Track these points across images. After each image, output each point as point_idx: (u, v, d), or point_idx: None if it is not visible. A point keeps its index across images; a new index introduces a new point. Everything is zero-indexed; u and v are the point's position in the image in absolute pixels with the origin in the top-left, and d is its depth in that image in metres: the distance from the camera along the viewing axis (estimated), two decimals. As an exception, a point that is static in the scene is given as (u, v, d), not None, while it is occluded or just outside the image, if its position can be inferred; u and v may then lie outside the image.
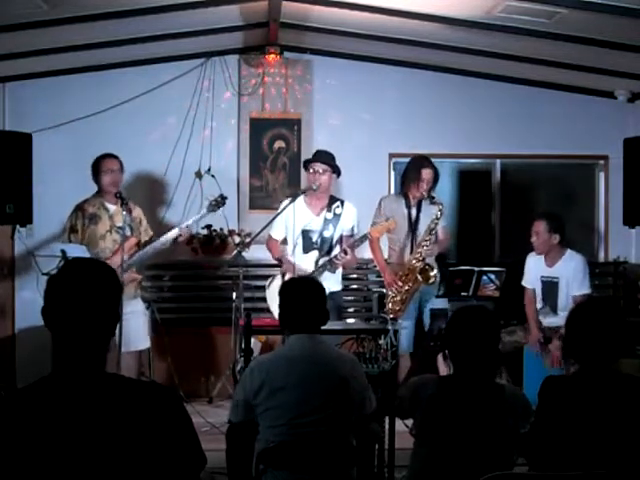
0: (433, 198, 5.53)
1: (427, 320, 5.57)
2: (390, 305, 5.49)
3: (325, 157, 5.38)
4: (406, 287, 5.47)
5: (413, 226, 5.60)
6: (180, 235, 5.28)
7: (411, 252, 5.55)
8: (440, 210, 5.48)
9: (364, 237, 5.25)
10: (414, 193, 5.59)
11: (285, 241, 5.48)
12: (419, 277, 5.43)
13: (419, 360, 5.66)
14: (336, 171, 5.39)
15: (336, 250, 5.33)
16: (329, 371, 3.13)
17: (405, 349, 5.60)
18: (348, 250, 5.18)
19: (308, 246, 5.36)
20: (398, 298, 5.50)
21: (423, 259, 5.45)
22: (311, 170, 5.34)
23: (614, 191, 6.76)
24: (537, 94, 6.80)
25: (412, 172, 5.62)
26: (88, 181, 5.36)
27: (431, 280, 5.43)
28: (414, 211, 5.62)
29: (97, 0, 4.92)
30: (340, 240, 5.40)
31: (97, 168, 5.29)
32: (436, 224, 5.48)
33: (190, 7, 5.14)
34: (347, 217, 5.41)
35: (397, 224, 5.61)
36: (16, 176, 5.59)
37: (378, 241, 5.69)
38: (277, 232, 5.45)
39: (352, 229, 5.42)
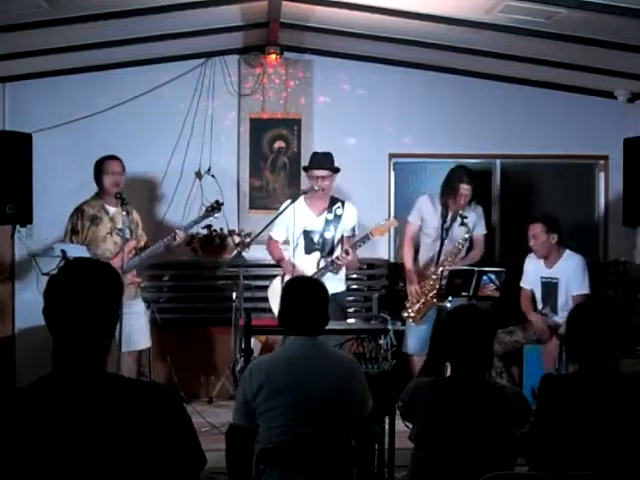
0: (464, 218, 5.50)
1: None
2: (409, 311, 5.54)
3: (325, 161, 5.36)
4: (423, 299, 5.53)
5: (443, 235, 5.64)
6: (173, 240, 5.28)
7: (437, 259, 5.58)
8: (466, 234, 5.51)
9: (366, 237, 5.25)
10: (453, 206, 5.65)
11: (286, 242, 5.49)
12: (436, 294, 5.46)
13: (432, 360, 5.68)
14: (336, 171, 5.40)
15: (338, 251, 5.33)
16: (327, 372, 3.13)
17: (418, 350, 5.62)
18: (350, 251, 5.19)
19: (310, 247, 5.36)
20: (416, 307, 5.54)
21: (445, 277, 5.47)
22: (313, 175, 5.33)
23: (614, 191, 6.76)
24: (537, 94, 6.80)
25: (452, 185, 5.67)
26: (88, 181, 5.37)
27: (446, 303, 5.41)
28: (448, 221, 5.66)
29: (98, 0, 4.92)
30: (341, 241, 5.41)
31: (100, 169, 5.30)
32: (459, 249, 5.54)
33: (190, 7, 5.14)
34: (348, 218, 5.41)
35: (429, 227, 5.64)
36: (16, 176, 5.60)
37: (411, 241, 5.76)
38: (278, 233, 5.45)
39: (353, 229, 5.43)
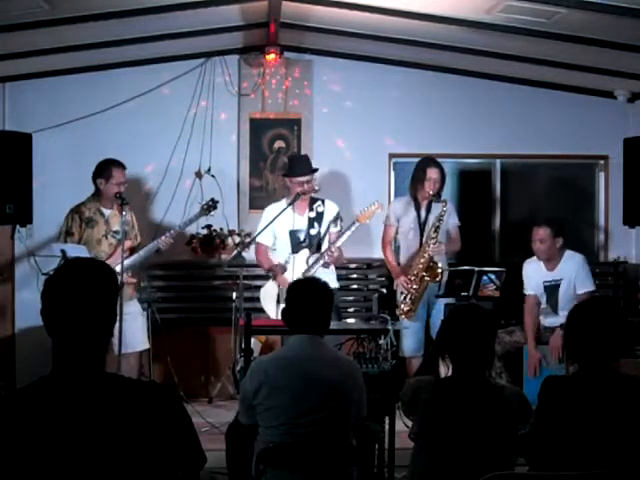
0: (439, 197, 5.57)
1: (436, 321, 5.53)
2: (402, 306, 5.52)
3: (305, 166, 5.45)
4: (415, 286, 5.49)
5: (422, 227, 5.63)
6: (159, 247, 5.29)
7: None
8: (444, 207, 5.50)
9: (352, 225, 5.31)
10: (422, 194, 5.62)
11: (273, 245, 5.52)
12: (425, 275, 5.43)
13: (425, 361, 5.67)
14: (315, 172, 5.50)
15: (324, 246, 5.39)
16: (327, 372, 3.13)
17: (415, 351, 5.60)
18: (334, 247, 5.28)
19: (296, 245, 5.41)
20: (408, 299, 5.51)
21: (430, 258, 5.46)
22: (295, 181, 5.38)
23: (614, 191, 6.76)
24: (537, 94, 6.80)
25: (418, 172, 5.67)
26: (88, 181, 5.35)
27: (438, 277, 5.42)
28: (423, 213, 5.65)
29: (97, 0, 4.92)
30: (327, 235, 5.45)
31: (106, 173, 5.23)
32: (440, 221, 5.50)
33: (190, 7, 5.14)
34: (330, 214, 5.48)
35: (406, 226, 5.65)
36: (16, 176, 5.59)
37: (390, 243, 5.75)
38: (265, 238, 5.49)
39: (336, 219, 5.47)
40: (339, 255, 5.37)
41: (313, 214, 5.45)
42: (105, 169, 5.25)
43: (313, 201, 5.48)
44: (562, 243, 5.37)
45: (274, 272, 5.38)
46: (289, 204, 5.37)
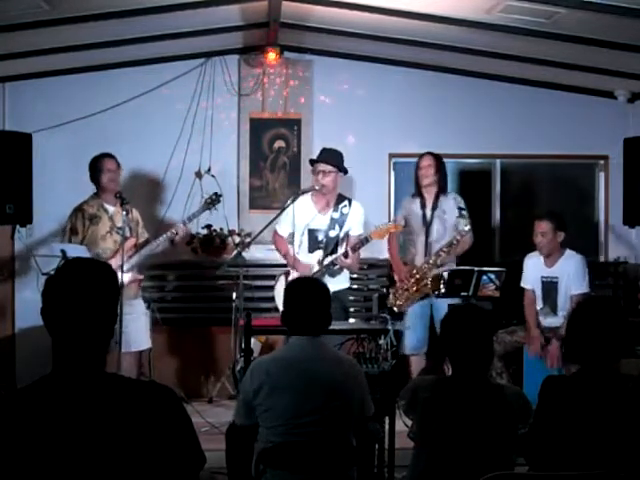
0: (462, 210, 5.66)
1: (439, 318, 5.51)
2: (391, 296, 5.52)
3: (331, 157, 5.29)
4: (414, 287, 5.49)
5: (427, 226, 5.63)
6: (176, 234, 5.29)
7: (425, 252, 5.58)
8: (467, 226, 5.53)
9: (365, 240, 5.20)
10: (426, 189, 5.67)
11: (290, 237, 5.45)
12: (429, 283, 5.43)
13: (433, 360, 5.68)
14: (342, 170, 5.34)
15: (340, 250, 5.28)
16: (328, 372, 3.13)
17: (415, 349, 5.60)
18: (349, 253, 5.16)
19: (314, 245, 5.31)
20: (404, 295, 5.51)
21: (438, 266, 5.45)
22: (316, 170, 5.29)
23: (614, 191, 6.76)
24: (537, 94, 6.80)
25: (415, 167, 5.76)
26: (88, 181, 5.38)
27: (440, 292, 5.40)
28: (428, 211, 5.67)
29: (98, 0, 4.92)
30: (345, 239, 5.34)
31: (95, 168, 5.32)
32: (457, 241, 5.46)
33: (190, 7, 5.14)
34: (354, 216, 5.34)
35: (411, 224, 5.67)
36: (16, 176, 5.59)
37: (395, 237, 5.74)
38: (283, 228, 5.41)
39: (358, 228, 5.37)
40: (352, 262, 5.21)
41: (337, 215, 5.29)
42: (95, 163, 5.34)
43: (340, 200, 5.33)
44: (563, 238, 5.39)
45: (286, 259, 5.31)
46: (294, 199, 5.26)
